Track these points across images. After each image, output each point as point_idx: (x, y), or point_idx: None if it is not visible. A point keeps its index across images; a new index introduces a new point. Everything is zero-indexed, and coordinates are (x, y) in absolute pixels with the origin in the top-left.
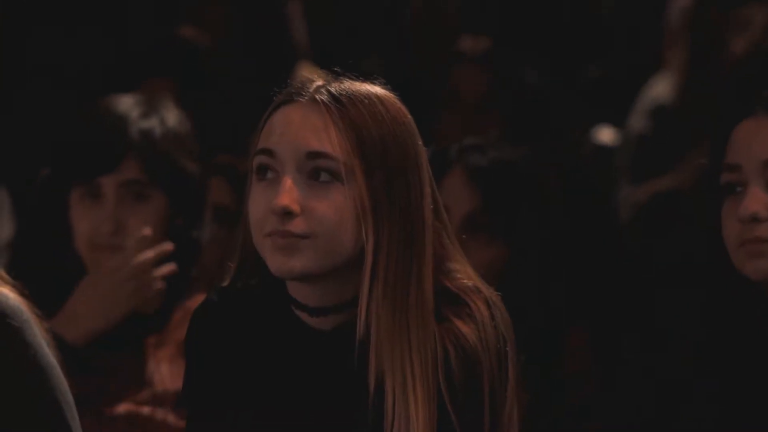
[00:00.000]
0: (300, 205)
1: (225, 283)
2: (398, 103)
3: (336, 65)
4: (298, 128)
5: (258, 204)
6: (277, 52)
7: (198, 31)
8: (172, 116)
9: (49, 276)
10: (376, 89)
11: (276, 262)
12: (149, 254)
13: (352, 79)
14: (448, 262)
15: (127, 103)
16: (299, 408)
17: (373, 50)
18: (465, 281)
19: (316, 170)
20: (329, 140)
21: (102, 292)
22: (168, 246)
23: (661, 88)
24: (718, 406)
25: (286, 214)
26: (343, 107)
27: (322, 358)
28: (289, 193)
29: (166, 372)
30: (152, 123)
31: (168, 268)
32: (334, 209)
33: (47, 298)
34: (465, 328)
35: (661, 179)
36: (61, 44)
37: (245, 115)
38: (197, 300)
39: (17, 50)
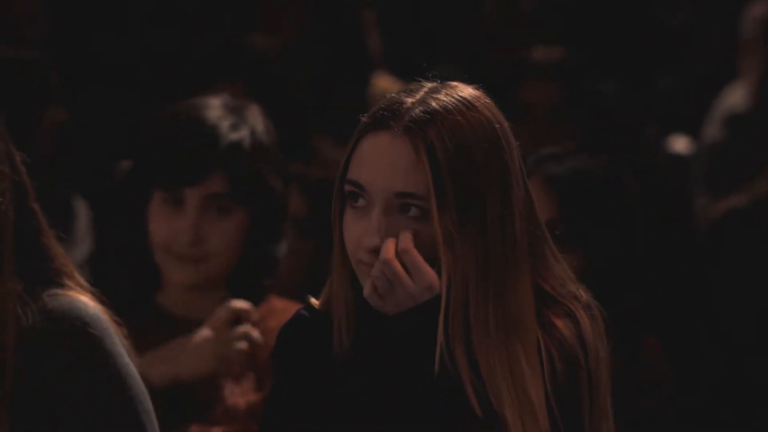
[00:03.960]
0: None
1: (317, 301)
2: (490, 111)
3: (410, 74)
4: (386, 166)
5: (351, 230)
6: (352, 61)
7: (274, 38)
8: (260, 127)
9: (124, 275)
10: (470, 96)
11: (367, 289)
12: (224, 319)
13: (441, 89)
14: (545, 267)
15: (216, 112)
16: (391, 411)
17: (446, 59)
18: (564, 288)
19: (406, 205)
20: (418, 179)
21: (189, 356)
22: (241, 305)
23: (735, 97)
24: None
25: (377, 251)
26: (430, 139)
27: (413, 356)
28: (378, 231)
29: (236, 387)
30: (242, 135)
31: (245, 328)
32: (423, 244)
33: (124, 302)
34: (566, 332)
35: (736, 195)
36: (132, 46)
37: (318, 124)
38: (268, 306)
39: (87, 53)
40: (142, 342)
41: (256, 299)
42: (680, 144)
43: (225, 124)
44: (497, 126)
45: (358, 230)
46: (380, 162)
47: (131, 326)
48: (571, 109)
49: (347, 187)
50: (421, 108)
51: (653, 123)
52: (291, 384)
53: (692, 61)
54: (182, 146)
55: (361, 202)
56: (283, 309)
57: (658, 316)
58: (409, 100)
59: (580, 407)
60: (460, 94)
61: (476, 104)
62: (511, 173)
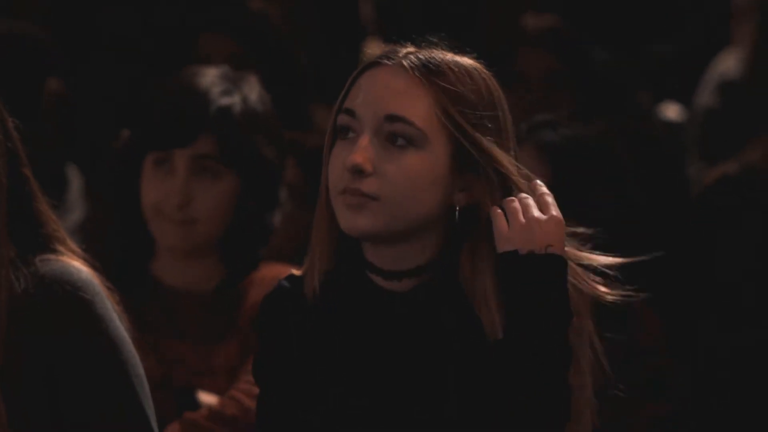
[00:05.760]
0: (373, 165)
1: (299, 272)
2: (487, 75)
3: (403, 41)
4: (380, 91)
5: (336, 161)
6: (345, 28)
7: (267, 3)
8: (254, 95)
9: (117, 243)
10: (466, 60)
11: (345, 220)
12: None
13: (443, 50)
14: None
15: (210, 79)
16: (382, 370)
17: (440, 28)
18: None
19: (393, 134)
20: (409, 105)
21: None
22: None
23: (728, 64)
24: None
25: (359, 172)
26: (429, 73)
27: (399, 318)
28: (363, 151)
29: (232, 353)
30: (233, 101)
31: None
32: (407, 174)
33: (116, 270)
34: None
35: (728, 162)
36: (132, 15)
37: (310, 91)
38: (260, 274)
39: (85, 22)
40: (134, 310)
41: (248, 267)
42: (672, 111)
43: (216, 90)
44: (495, 93)
45: (342, 159)
46: (374, 89)
47: (124, 295)
48: (564, 77)
49: (339, 119)
50: (422, 53)
51: (646, 90)
52: (274, 354)
53: (685, 28)
54: (173, 108)
55: (350, 134)
56: (275, 277)
57: (651, 283)
58: (412, 48)
59: None
60: (461, 57)
61: (476, 69)
62: (502, 137)
